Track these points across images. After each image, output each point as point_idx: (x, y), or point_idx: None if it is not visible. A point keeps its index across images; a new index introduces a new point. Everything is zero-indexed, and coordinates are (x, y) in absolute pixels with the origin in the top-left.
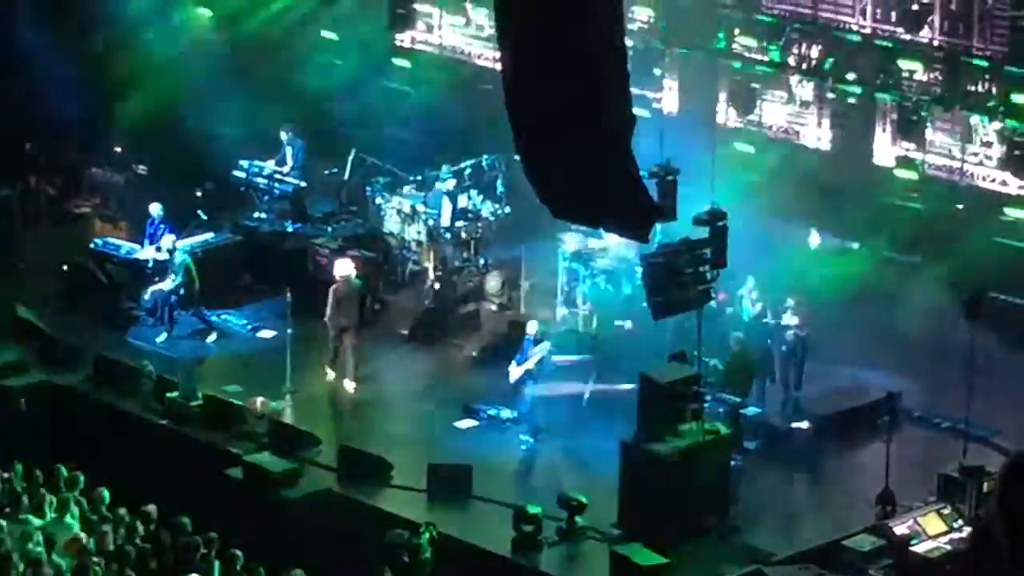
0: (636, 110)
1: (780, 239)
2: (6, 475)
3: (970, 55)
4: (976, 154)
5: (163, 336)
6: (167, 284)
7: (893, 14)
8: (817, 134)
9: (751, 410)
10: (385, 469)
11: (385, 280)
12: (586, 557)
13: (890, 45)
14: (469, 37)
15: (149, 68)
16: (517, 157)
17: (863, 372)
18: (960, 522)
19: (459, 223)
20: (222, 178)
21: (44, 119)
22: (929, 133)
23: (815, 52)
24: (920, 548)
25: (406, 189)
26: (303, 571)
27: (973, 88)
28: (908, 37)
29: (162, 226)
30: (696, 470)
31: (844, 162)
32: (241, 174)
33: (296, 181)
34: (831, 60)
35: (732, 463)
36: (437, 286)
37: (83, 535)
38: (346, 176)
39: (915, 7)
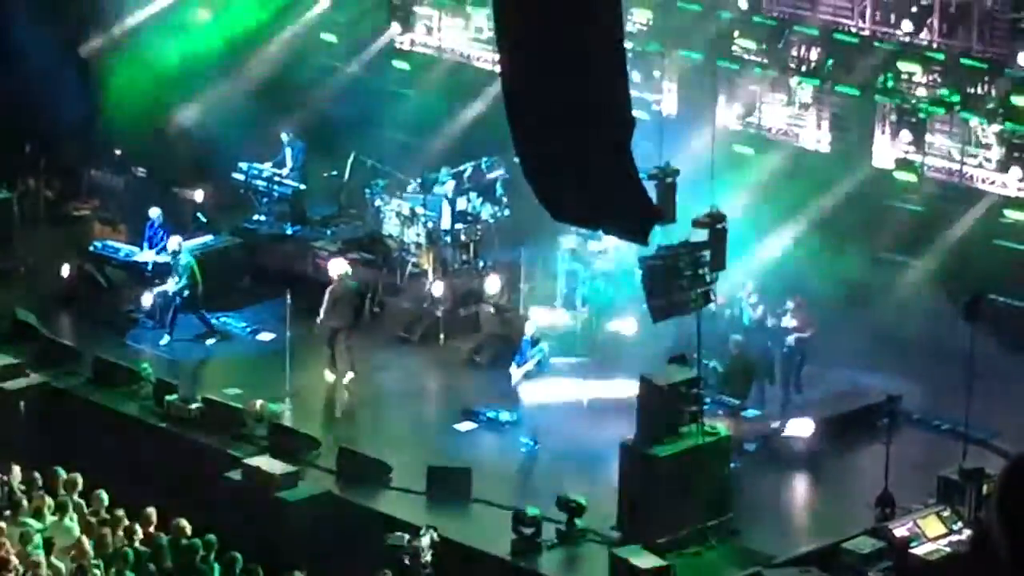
0: (635, 112)
1: (780, 241)
2: (5, 478)
3: (969, 57)
4: (975, 156)
5: (165, 339)
6: (170, 286)
7: (892, 16)
8: (816, 136)
9: (751, 412)
10: (384, 471)
11: (384, 282)
12: (586, 559)
13: (889, 47)
14: (469, 39)
15: (149, 71)
16: (516, 159)
17: (862, 374)
18: (960, 524)
19: (459, 225)
20: (222, 181)
21: (43, 121)
22: (928, 135)
23: (814, 54)
24: (920, 550)
25: (407, 190)
26: (303, 574)
27: (972, 90)
28: (907, 39)
29: (161, 229)
30: (696, 472)
31: (843, 164)
32: (240, 177)
33: (295, 183)
34: (830, 62)
35: (732, 465)
36: (436, 288)
37: (85, 539)
38: (345, 178)
39: (914, 9)
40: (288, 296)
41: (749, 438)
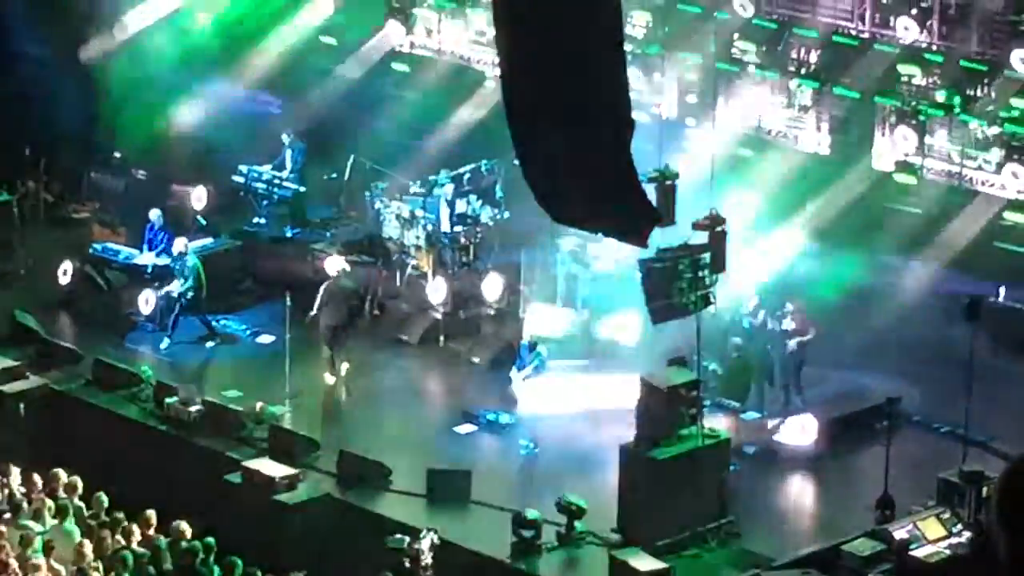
0: (635, 115)
1: (779, 243)
2: (5, 480)
3: (969, 59)
4: (975, 158)
5: (165, 342)
6: (175, 287)
7: (892, 18)
8: (816, 138)
9: (750, 415)
10: (384, 474)
11: (384, 285)
12: (585, 562)
13: (889, 49)
14: (468, 41)
15: (148, 73)
16: (516, 161)
17: (862, 376)
18: (959, 527)
19: (458, 228)
20: (221, 183)
21: (43, 123)
22: (928, 137)
23: (814, 56)
24: (919, 552)
25: (407, 193)
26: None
27: (972, 92)
28: (907, 41)
29: (161, 231)
30: (695, 475)
31: (843, 166)
32: (240, 179)
33: (295, 186)
34: (830, 64)
35: (731, 468)
36: (436, 290)
37: (85, 542)
38: (345, 181)
39: (914, 11)
40: (288, 298)
41: (749, 440)
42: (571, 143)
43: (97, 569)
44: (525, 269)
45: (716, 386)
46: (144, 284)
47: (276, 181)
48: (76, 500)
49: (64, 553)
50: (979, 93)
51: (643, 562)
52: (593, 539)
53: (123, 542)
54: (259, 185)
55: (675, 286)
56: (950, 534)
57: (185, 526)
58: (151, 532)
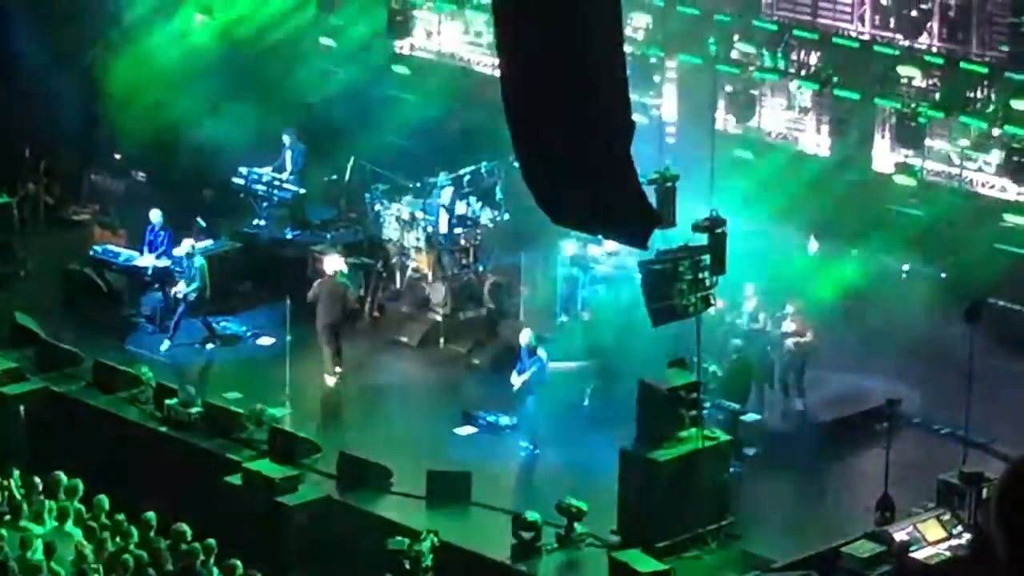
0: (635, 117)
1: (779, 245)
2: (5, 482)
3: (969, 61)
4: (975, 160)
5: (166, 344)
6: (181, 287)
7: (892, 20)
8: (816, 140)
9: (750, 417)
10: (385, 476)
11: (384, 287)
12: (585, 564)
13: (889, 51)
14: (468, 44)
15: (148, 75)
16: (516, 163)
17: (862, 378)
18: (959, 528)
19: (458, 230)
20: (222, 185)
21: (43, 125)
22: (928, 139)
23: (814, 58)
24: (919, 554)
25: (405, 196)
26: None
27: (972, 94)
28: (907, 43)
29: (162, 233)
30: (696, 477)
31: (843, 168)
32: (240, 181)
33: (295, 188)
34: (830, 66)
35: (731, 470)
36: (436, 292)
37: (87, 545)
38: (345, 183)
39: (914, 13)
40: (288, 300)
41: (749, 442)
42: (571, 144)
43: (97, 571)
44: (525, 271)
45: (716, 388)
46: (144, 286)
47: (276, 183)
48: (76, 502)
49: (64, 555)
50: (979, 95)
51: (643, 564)
52: (593, 541)
53: (123, 544)
54: (259, 187)
55: (675, 288)
56: (950, 536)
57: (185, 528)
58: (151, 534)
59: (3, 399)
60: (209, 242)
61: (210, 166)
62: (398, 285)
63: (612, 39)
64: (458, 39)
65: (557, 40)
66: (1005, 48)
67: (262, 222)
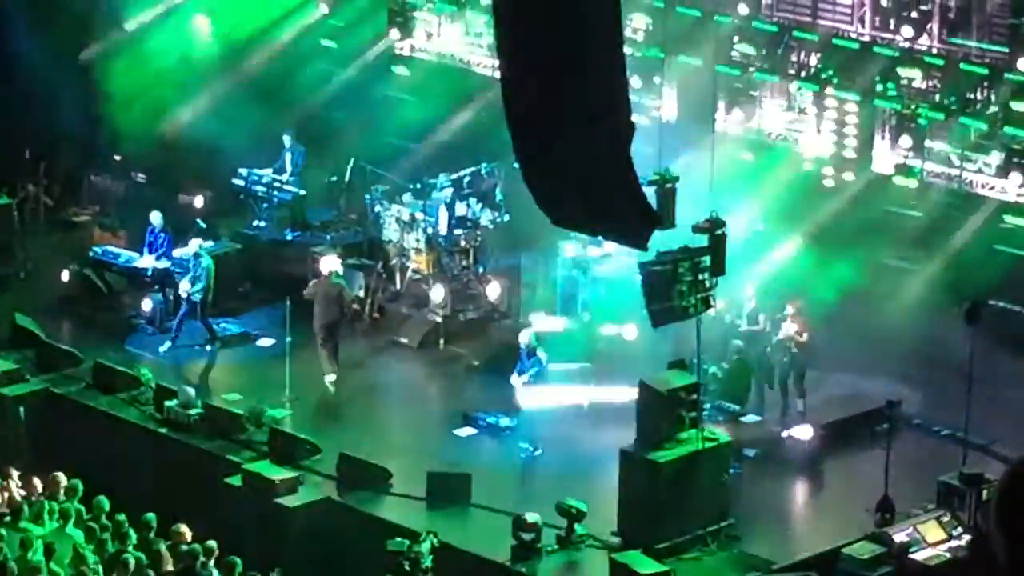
0: (635, 118)
1: (779, 246)
2: (5, 483)
3: (969, 62)
4: (975, 161)
5: (166, 345)
6: (185, 287)
7: (892, 21)
8: (816, 141)
9: (750, 418)
10: (384, 477)
11: (384, 288)
12: (585, 565)
13: (889, 52)
14: (468, 45)
15: (149, 75)
16: (516, 165)
17: (862, 379)
18: (959, 530)
19: (458, 231)
20: (221, 186)
21: (43, 127)
22: (928, 140)
23: (814, 59)
24: (919, 555)
25: (405, 197)
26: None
27: (972, 95)
28: (907, 44)
29: (162, 234)
30: (695, 478)
31: (843, 169)
32: (240, 182)
33: (295, 189)
34: (830, 67)
35: (731, 471)
36: (436, 293)
37: (87, 546)
38: (345, 184)
39: (914, 14)
40: (288, 301)
41: (749, 443)
42: (571, 147)
43: (97, 572)
44: (525, 272)
45: (716, 389)
46: (144, 287)
47: (276, 184)
48: (76, 503)
49: (64, 556)
50: (979, 96)
51: (643, 565)
52: (593, 542)
53: (123, 545)
54: (259, 188)
55: (675, 289)
56: (950, 537)
57: (185, 529)
58: (151, 535)
59: (3, 400)
60: (209, 243)
61: (210, 167)
62: (398, 286)
63: (612, 39)
64: (458, 40)
65: (557, 41)
66: (1005, 49)
67: (262, 223)
